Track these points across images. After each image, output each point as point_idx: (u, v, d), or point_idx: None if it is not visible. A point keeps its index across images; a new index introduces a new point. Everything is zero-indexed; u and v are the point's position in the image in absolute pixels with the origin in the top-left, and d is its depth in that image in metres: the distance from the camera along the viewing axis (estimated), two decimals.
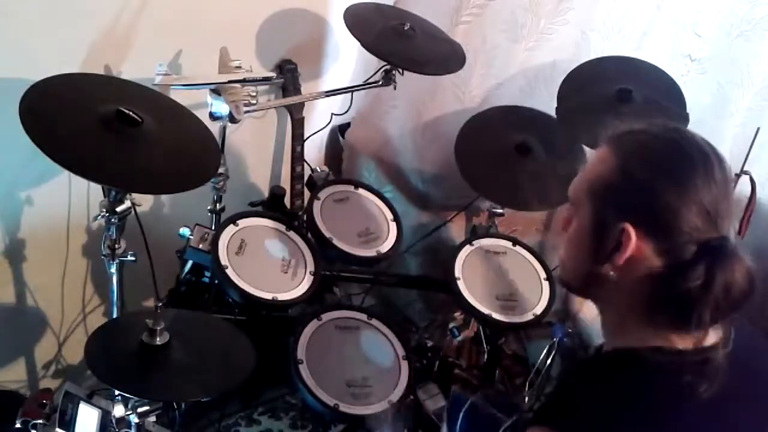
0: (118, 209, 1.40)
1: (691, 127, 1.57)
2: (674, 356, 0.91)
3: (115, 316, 1.57)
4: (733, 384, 0.89)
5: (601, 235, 0.96)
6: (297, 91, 2.02)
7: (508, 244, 1.93)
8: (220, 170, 1.73)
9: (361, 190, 1.91)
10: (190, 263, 1.81)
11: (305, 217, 1.81)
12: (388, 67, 1.88)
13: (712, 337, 0.94)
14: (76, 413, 1.41)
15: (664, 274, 0.92)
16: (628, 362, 0.94)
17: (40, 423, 1.36)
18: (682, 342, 0.93)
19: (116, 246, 1.45)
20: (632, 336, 0.96)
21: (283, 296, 1.57)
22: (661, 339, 0.93)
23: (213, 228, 1.76)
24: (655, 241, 0.92)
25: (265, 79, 1.77)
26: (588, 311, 1.56)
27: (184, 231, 1.70)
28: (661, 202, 0.91)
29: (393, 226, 1.87)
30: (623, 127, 1.01)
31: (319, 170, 2.06)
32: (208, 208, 1.81)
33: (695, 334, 0.92)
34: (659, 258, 0.93)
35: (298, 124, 2.06)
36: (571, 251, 1.04)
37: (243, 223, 1.66)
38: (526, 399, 1.96)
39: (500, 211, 2.04)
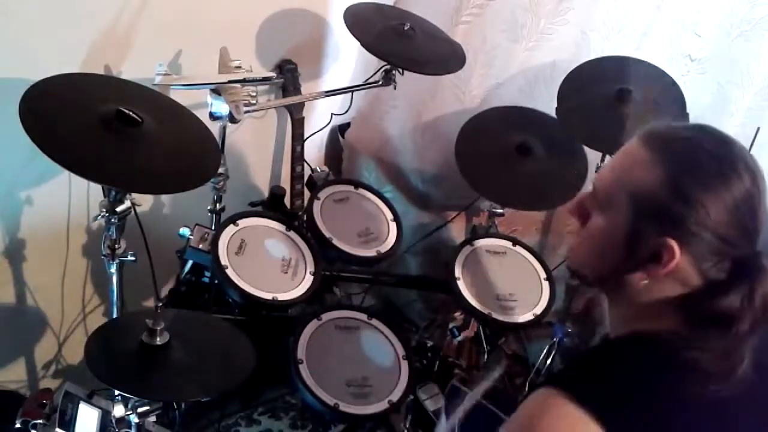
0: (118, 209, 1.39)
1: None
2: (696, 343, 0.91)
3: (115, 316, 1.57)
4: (751, 381, 0.90)
5: (637, 244, 0.94)
6: (297, 91, 2.02)
7: (508, 244, 1.93)
8: (220, 170, 1.73)
9: (361, 190, 1.91)
10: (190, 263, 1.81)
11: (305, 217, 1.81)
12: (388, 67, 1.88)
13: None
14: (76, 413, 1.41)
15: (702, 290, 0.92)
16: (647, 343, 0.94)
17: (40, 423, 1.36)
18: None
19: (116, 246, 1.45)
20: (652, 322, 0.96)
21: (283, 296, 1.57)
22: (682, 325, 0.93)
23: (213, 228, 1.76)
24: (696, 258, 0.91)
25: (265, 79, 1.77)
26: None
27: (184, 231, 1.69)
28: (708, 222, 0.89)
29: (393, 226, 1.87)
30: (665, 128, 0.98)
31: (319, 170, 2.06)
32: (208, 208, 1.81)
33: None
34: (698, 274, 0.92)
35: (298, 124, 2.06)
36: (595, 248, 1.01)
37: (243, 223, 1.66)
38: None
39: (500, 211, 2.04)
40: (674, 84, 1.99)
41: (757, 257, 0.90)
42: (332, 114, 2.18)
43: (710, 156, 0.92)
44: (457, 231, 2.37)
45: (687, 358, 0.89)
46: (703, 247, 0.90)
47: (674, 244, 0.91)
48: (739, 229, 0.90)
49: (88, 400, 1.45)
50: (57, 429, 1.35)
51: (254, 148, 2.15)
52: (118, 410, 1.37)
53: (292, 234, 1.71)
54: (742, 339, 0.90)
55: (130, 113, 1.29)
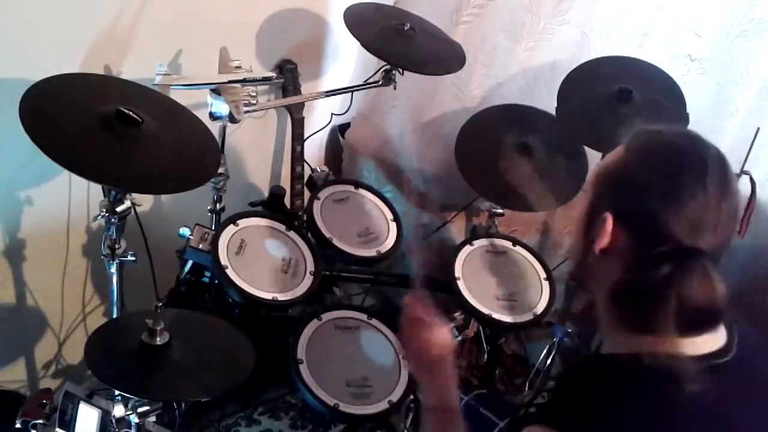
0: (118, 209, 1.39)
1: (691, 127, 1.57)
2: (674, 362, 0.90)
3: (115, 316, 1.57)
4: (734, 386, 0.90)
5: (590, 222, 0.98)
6: (297, 91, 2.02)
7: (508, 244, 1.93)
8: (220, 170, 1.73)
9: (361, 190, 1.91)
10: (190, 263, 1.80)
11: (305, 217, 1.81)
12: (388, 67, 1.88)
13: (716, 342, 0.94)
14: (76, 413, 1.41)
15: (635, 272, 0.94)
16: (628, 367, 0.94)
17: (40, 423, 1.36)
18: (684, 347, 0.92)
19: (116, 246, 1.45)
20: (630, 340, 0.96)
21: (283, 296, 1.57)
22: (661, 344, 0.93)
23: (213, 228, 1.76)
24: (631, 237, 0.94)
25: (265, 79, 1.77)
26: None
27: (184, 231, 1.70)
28: (645, 203, 0.92)
29: (393, 226, 1.87)
30: (645, 125, 1.02)
31: (319, 170, 2.06)
32: (208, 208, 1.81)
33: (695, 339, 0.92)
34: (632, 255, 0.94)
35: (298, 124, 2.06)
36: (573, 239, 1.08)
37: (243, 223, 1.66)
38: (525, 402, 1.96)
39: (500, 211, 2.04)
40: (674, 84, 1.99)
41: (691, 253, 0.89)
42: (332, 114, 2.18)
43: (668, 144, 0.97)
44: (457, 231, 2.37)
45: (667, 381, 0.88)
46: (639, 229, 0.93)
47: (609, 216, 0.94)
48: (678, 222, 0.89)
49: (88, 400, 1.45)
50: (57, 429, 1.35)
51: (254, 148, 2.15)
52: (118, 410, 1.37)
53: (292, 234, 1.71)
54: (671, 335, 0.90)
55: (130, 113, 1.29)
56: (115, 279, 1.51)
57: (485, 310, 1.73)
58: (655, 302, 0.89)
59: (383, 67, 1.90)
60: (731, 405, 0.92)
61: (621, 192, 0.96)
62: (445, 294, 1.89)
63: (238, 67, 1.69)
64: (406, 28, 1.81)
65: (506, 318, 1.74)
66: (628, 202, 0.95)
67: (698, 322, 0.92)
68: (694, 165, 0.92)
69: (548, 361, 2.08)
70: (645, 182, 0.93)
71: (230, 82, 1.64)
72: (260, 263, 1.61)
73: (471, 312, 1.76)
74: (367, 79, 1.98)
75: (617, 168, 0.98)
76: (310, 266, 1.66)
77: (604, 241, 0.95)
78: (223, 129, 1.71)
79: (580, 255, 1.02)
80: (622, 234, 0.94)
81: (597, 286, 1.01)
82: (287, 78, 2.00)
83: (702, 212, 0.90)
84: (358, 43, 1.76)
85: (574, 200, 1.93)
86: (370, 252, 1.78)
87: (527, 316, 1.76)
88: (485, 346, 2.03)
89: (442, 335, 1.13)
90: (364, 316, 1.69)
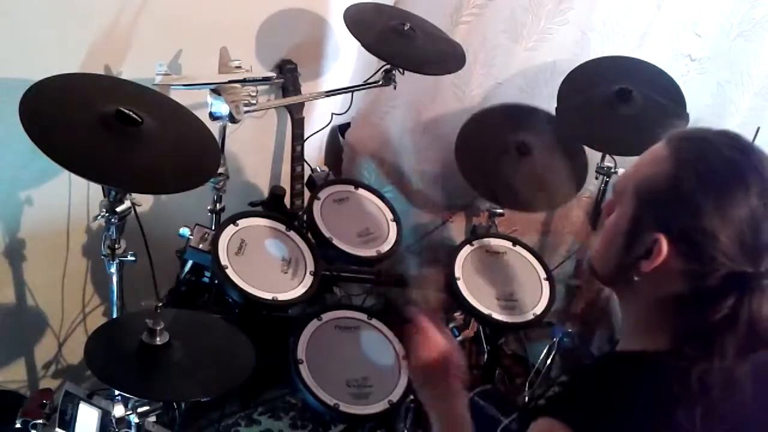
0: (118, 209, 1.39)
1: (691, 126, 1.55)
2: (682, 364, 0.88)
3: (115, 316, 1.57)
4: (752, 396, 0.88)
5: (634, 237, 0.93)
6: (297, 91, 2.01)
7: (508, 244, 1.93)
8: (220, 170, 1.73)
9: (361, 190, 1.91)
10: (190, 263, 1.80)
11: (305, 217, 1.81)
12: (388, 67, 1.88)
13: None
14: (76, 413, 1.41)
15: (689, 298, 0.90)
16: (645, 365, 0.92)
17: (40, 423, 1.36)
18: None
19: (116, 246, 1.45)
20: (650, 339, 0.94)
21: (283, 296, 1.57)
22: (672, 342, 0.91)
23: (213, 228, 1.76)
24: (686, 260, 0.89)
25: (265, 79, 1.77)
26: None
27: (184, 231, 1.69)
28: (701, 224, 0.86)
29: (393, 226, 1.87)
30: (691, 129, 0.96)
31: (319, 170, 2.06)
32: (208, 208, 1.81)
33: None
34: (686, 279, 0.90)
35: (298, 124, 2.06)
36: (603, 241, 1.00)
37: (243, 223, 1.66)
38: (527, 399, 1.96)
39: (500, 211, 2.04)
40: (674, 84, 1.99)
41: (756, 276, 0.86)
42: (332, 114, 2.18)
43: (722, 160, 0.89)
44: (457, 231, 2.37)
45: (685, 381, 0.86)
46: (695, 252, 0.88)
47: (663, 239, 0.89)
48: (736, 243, 0.86)
49: (88, 400, 1.45)
50: (57, 429, 1.36)
51: (254, 148, 2.15)
52: (118, 410, 1.37)
53: (292, 234, 1.71)
54: (726, 363, 0.87)
55: (130, 113, 1.29)
56: (115, 279, 1.51)
57: (485, 310, 1.73)
58: (722, 330, 0.86)
59: (383, 67, 1.90)
60: (748, 418, 0.90)
61: (674, 213, 0.89)
62: (445, 294, 1.89)
63: (238, 67, 1.69)
64: (406, 28, 1.81)
65: (506, 318, 1.74)
66: (684, 225, 0.88)
67: (760, 343, 0.88)
68: (752, 181, 0.87)
69: (548, 361, 2.08)
70: (701, 203, 0.87)
71: (230, 82, 1.64)
72: (260, 263, 1.61)
73: (471, 312, 1.76)
74: (367, 79, 1.98)
75: (666, 184, 0.90)
76: (310, 266, 1.66)
77: (656, 262, 0.90)
78: (223, 129, 1.71)
79: (613, 263, 0.97)
80: (677, 255, 0.89)
81: (629, 293, 0.97)
82: (287, 78, 2.00)
83: (763, 232, 0.86)
84: (358, 43, 1.76)
85: (575, 200, 1.93)
86: (370, 252, 1.78)
87: (527, 316, 1.76)
88: (485, 346, 2.03)
89: (449, 346, 1.13)
90: (364, 316, 1.69)
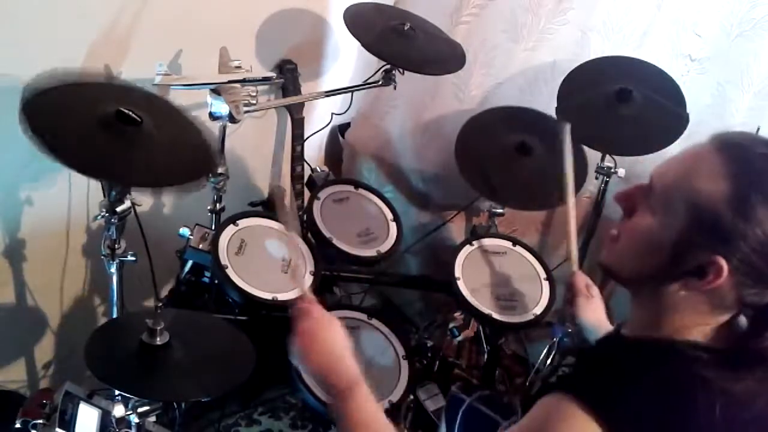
0: (118, 209, 1.40)
1: (691, 127, 1.55)
2: (715, 354, 0.89)
3: (115, 316, 1.57)
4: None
5: (684, 254, 0.90)
6: (297, 91, 2.02)
7: (508, 244, 1.93)
8: (220, 170, 1.73)
9: (361, 190, 1.91)
10: (190, 263, 1.80)
11: (305, 217, 1.81)
12: (388, 67, 1.88)
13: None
14: (76, 413, 1.41)
15: (740, 319, 0.90)
16: (667, 353, 0.91)
17: (40, 423, 1.36)
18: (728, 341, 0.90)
19: (116, 246, 1.45)
20: (668, 329, 0.93)
21: (283, 296, 1.57)
22: (701, 334, 0.91)
23: (213, 228, 1.76)
24: (739, 282, 0.87)
25: (265, 79, 1.77)
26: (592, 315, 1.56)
27: (184, 231, 1.70)
28: (764, 249, 0.85)
29: (393, 226, 1.87)
30: (743, 138, 0.92)
31: (319, 170, 2.06)
32: (208, 208, 1.81)
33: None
34: (736, 300, 0.89)
35: (298, 124, 2.06)
36: (636, 247, 0.96)
37: (243, 223, 1.66)
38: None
39: (500, 211, 2.04)
40: (674, 84, 1.99)
41: None
42: (332, 114, 2.18)
43: None
44: (457, 231, 2.37)
45: (705, 376, 0.86)
46: (751, 274, 0.86)
47: (724, 263, 0.86)
48: None
49: (88, 400, 1.45)
50: (57, 429, 1.35)
51: (254, 148, 2.15)
52: (118, 410, 1.37)
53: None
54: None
55: (130, 113, 1.29)
56: (115, 279, 1.51)
57: (485, 310, 1.73)
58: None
59: (383, 67, 1.90)
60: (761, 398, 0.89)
61: (740, 239, 0.85)
62: (445, 294, 1.89)
63: (238, 67, 1.69)
64: (406, 28, 1.81)
65: (506, 318, 1.74)
66: (749, 253, 0.85)
67: None
68: None
69: (548, 361, 2.08)
70: (762, 228, 0.84)
71: (230, 82, 1.64)
72: (260, 263, 1.61)
73: (471, 312, 1.76)
74: (367, 79, 1.98)
75: (727, 208, 0.86)
76: (310, 266, 1.66)
77: (714, 285, 0.88)
78: (223, 129, 1.71)
79: (647, 272, 0.94)
80: (732, 280, 0.87)
81: (656, 298, 0.95)
82: (287, 78, 2.00)
83: None
84: (358, 43, 1.76)
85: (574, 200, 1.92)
86: (370, 252, 1.78)
87: (527, 316, 1.76)
88: (485, 346, 2.02)
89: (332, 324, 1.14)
90: (364, 316, 1.69)
